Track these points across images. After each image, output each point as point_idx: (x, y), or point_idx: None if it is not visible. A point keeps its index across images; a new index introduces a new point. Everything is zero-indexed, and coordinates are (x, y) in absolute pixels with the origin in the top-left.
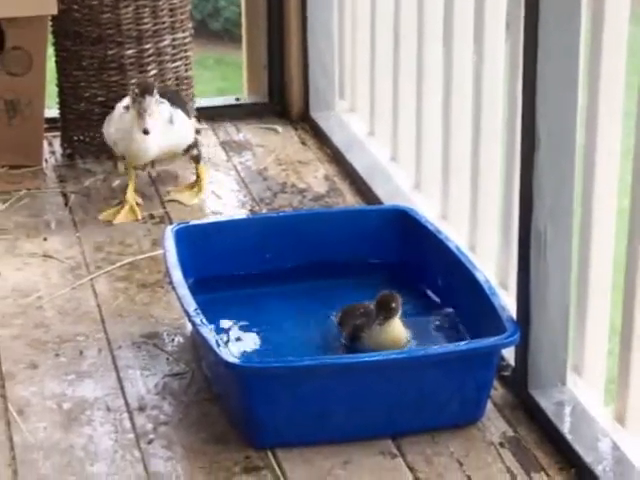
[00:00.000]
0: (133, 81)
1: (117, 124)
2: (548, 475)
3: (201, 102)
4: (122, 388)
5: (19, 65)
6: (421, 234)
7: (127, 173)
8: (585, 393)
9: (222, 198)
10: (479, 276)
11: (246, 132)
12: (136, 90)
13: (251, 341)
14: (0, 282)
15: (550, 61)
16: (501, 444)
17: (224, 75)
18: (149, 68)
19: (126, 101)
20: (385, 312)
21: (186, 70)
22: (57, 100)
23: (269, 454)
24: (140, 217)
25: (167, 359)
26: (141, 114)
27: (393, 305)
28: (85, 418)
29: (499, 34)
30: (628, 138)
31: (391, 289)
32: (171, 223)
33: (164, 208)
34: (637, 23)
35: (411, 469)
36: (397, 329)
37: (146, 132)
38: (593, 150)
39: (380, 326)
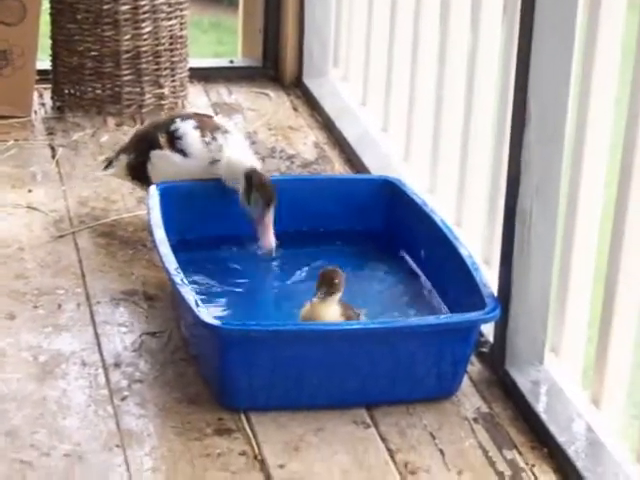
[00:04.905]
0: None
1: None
2: (520, 453)
3: (194, 63)
4: (99, 344)
5: (13, 15)
6: (407, 206)
7: None
8: (562, 374)
9: None
10: (462, 251)
11: (238, 95)
12: (260, 198)
13: (231, 303)
14: None
15: (545, 40)
16: (475, 419)
17: (221, 39)
18: (143, 25)
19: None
20: (327, 287)
21: (181, 29)
22: (50, 52)
23: (242, 417)
24: None
25: (146, 317)
26: (267, 227)
27: (336, 281)
28: (60, 371)
29: (496, 7)
30: (620, 120)
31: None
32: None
33: None
34: (633, 10)
35: (383, 440)
36: (331, 313)
37: (270, 253)
38: (583, 130)
39: (320, 300)
